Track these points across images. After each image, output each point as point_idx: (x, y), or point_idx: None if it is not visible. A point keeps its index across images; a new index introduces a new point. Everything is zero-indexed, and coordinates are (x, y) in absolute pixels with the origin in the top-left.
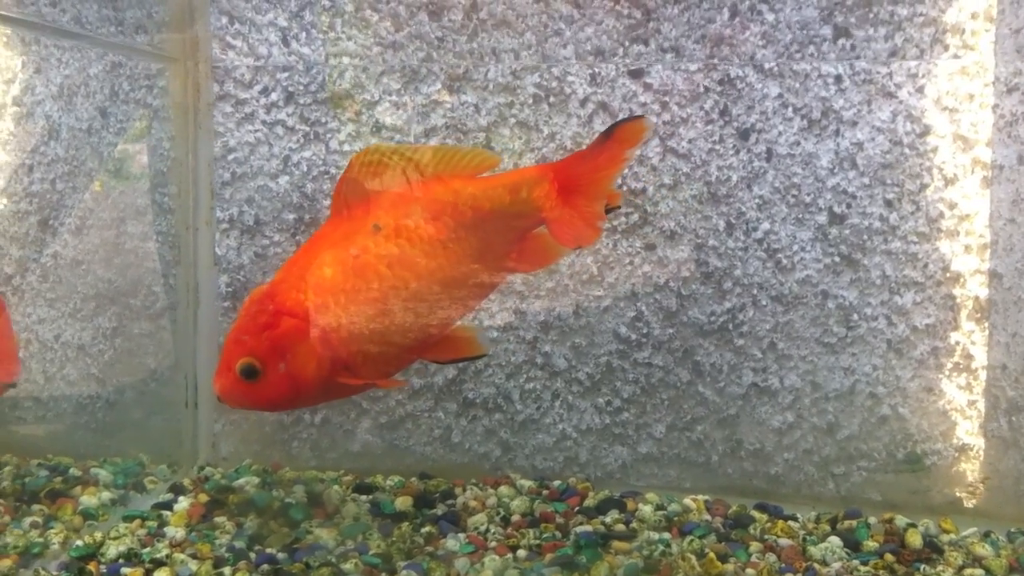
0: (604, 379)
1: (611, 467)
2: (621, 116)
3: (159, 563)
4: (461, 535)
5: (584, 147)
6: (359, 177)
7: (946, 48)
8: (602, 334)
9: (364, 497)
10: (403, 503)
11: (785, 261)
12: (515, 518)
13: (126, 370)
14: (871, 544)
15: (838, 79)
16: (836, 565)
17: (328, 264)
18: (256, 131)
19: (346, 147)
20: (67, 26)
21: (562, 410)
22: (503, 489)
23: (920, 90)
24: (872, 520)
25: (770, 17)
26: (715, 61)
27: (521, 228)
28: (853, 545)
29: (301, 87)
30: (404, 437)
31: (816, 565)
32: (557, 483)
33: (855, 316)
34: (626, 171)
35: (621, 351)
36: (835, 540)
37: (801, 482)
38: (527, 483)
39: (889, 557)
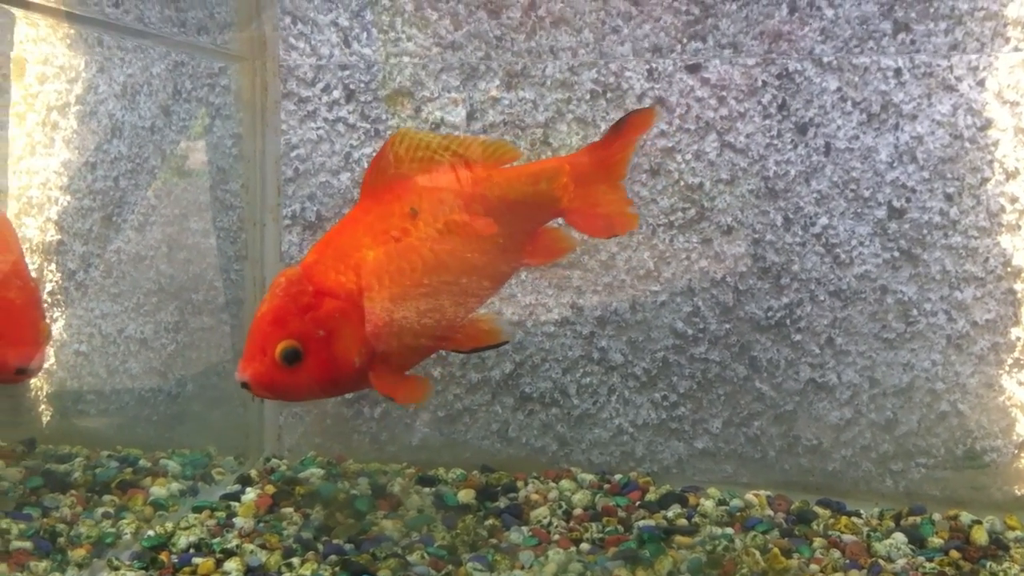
0: (660, 374)
1: (667, 462)
2: (678, 111)
3: (229, 553)
4: (524, 528)
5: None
6: (410, 171)
7: (1007, 41)
8: (658, 329)
9: (427, 489)
10: (466, 496)
11: (843, 256)
12: (577, 512)
13: (188, 364)
14: (936, 541)
15: (898, 72)
16: (901, 562)
17: (369, 246)
18: (318, 128)
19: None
20: (136, 25)
21: (618, 405)
22: (564, 483)
23: (981, 83)
24: (936, 517)
25: (829, 12)
26: (773, 55)
27: (538, 220)
28: (918, 542)
29: (362, 85)
30: (462, 431)
31: (881, 561)
32: (618, 477)
33: (914, 311)
34: (683, 166)
35: (677, 346)
36: (900, 536)
37: (859, 478)
38: (588, 477)
39: (955, 554)
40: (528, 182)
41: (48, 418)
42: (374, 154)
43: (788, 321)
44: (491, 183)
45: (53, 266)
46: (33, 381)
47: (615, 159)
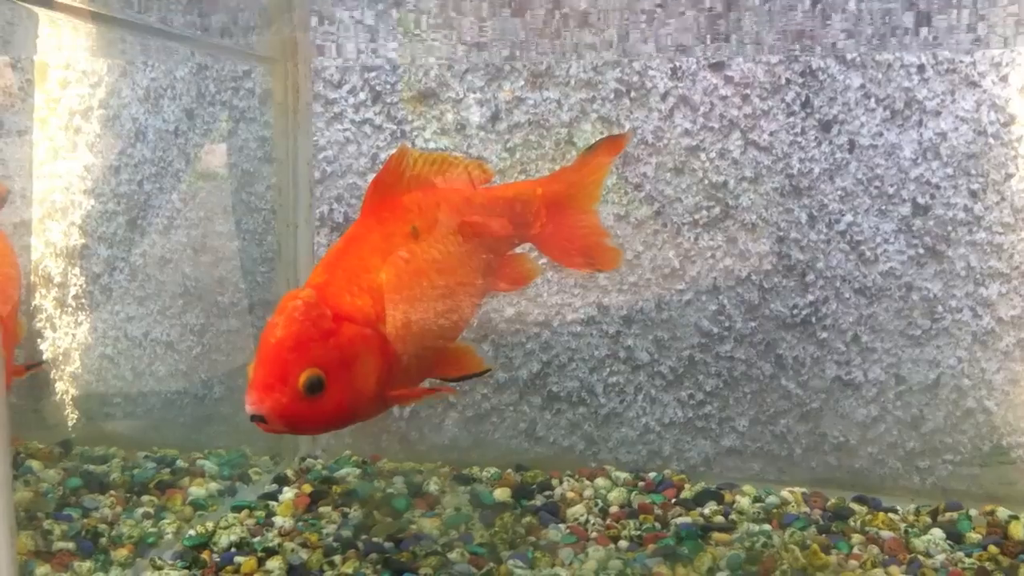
0: (687, 373)
1: (694, 460)
2: (702, 109)
3: (271, 551)
4: (562, 525)
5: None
6: (427, 175)
7: None
8: (684, 328)
9: (462, 488)
10: (502, 494)
11: (868, 253)
12: (613, 509)
13: (214, 367)
14: (974, 536)
15: (921, 69)
16: (940, 557)
17: (380, 267)
18: (345, 130)
19: (431, 144)
20: (170, 28)
21: (645, 403)
22: (599, 481)
23: (1004, 79)
24: (973, 512)
25: (852, 7)
26: (796, 52)
27: (510, 244)
28: (955, 537)
29: (388, 86)
30: (490, 430)
31: (920, 557)
32: (653, 475)
33: (939, 308)
34: (707, 164)
35: (703, 344)
36: (937, 532)
37: (886, 475)
38: (622, 475)
39: (993, 549)
40: (507, 204)
41: (74, 422)
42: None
43: (813, 319)
44: (476, 204)
45: (77, 270)
46: (59, 385)
47: (586, 182)
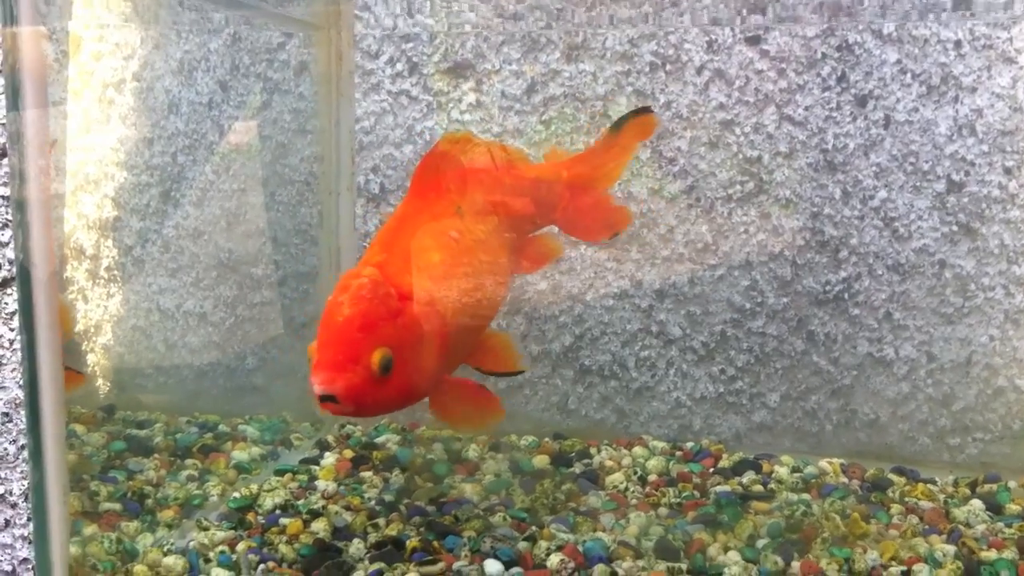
0: (718, 348)
1: (725, 435)
2: (737, 83)
3: (316, 514)
4: (601, 492)
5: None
6: (467, 157)
7: None
8: (716, 303)
9: (501, 456)
10: (540, 461)
11: (902, 230)
12: (652, 478)
13: (247, 338)
14: (1014, 507)
15: (958, 44)
16: (980, 527)
17: (432, 247)
18: (382, 101)
19: (467, 116)
20: None
21: (677, 378)
22: (637, 450)
23: None
24: (1012, 484)
25: None
26: (833, 27)
27: (536, 225)
28: (995, 508)
29: (424, 57)
30: (523, 403)
31: (961, 527)
32: (690, 444)
33: (972, 286)
34: (742, 139)
35: (735, 320)
36: (977, 503)
37: (916, 452)
38: (660, 444)
39: None
40: (534, 186)
41: (106, 392)
42: (436, 127)
43: (846, 295)
44: (506, 186)
45: (110, 242)
46: (91, 356)
47: (610, 165)
